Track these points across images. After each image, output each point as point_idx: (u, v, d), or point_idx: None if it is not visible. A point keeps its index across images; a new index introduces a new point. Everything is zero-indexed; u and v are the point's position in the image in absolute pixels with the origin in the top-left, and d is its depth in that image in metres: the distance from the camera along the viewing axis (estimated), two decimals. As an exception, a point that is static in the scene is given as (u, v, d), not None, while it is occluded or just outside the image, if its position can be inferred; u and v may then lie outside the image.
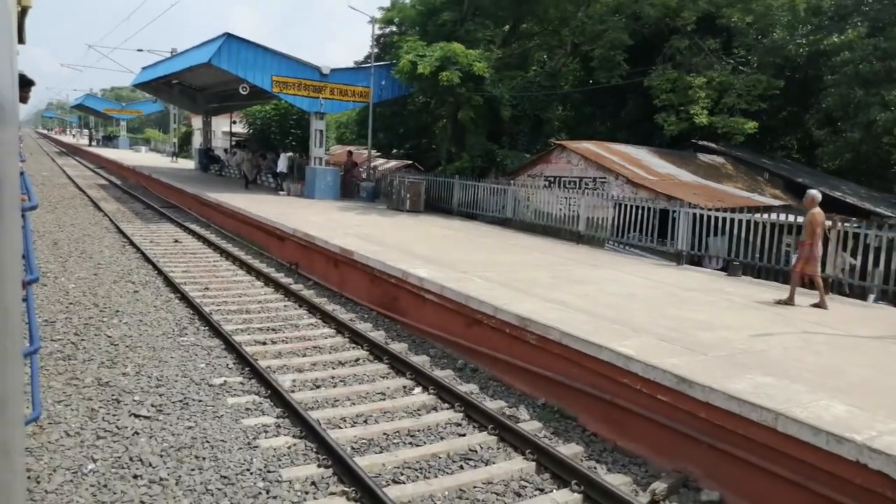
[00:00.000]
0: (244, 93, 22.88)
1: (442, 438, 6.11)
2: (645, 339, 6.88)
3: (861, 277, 11.04)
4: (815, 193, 9.80)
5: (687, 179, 18.95)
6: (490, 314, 8.07)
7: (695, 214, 13.36)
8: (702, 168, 21.18)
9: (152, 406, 6.29)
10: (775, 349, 6.97)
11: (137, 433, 5.69)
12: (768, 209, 14.32)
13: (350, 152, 28.73)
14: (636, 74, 22.10)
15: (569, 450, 5.93)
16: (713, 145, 23.72)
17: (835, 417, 4.92)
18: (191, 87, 33.36)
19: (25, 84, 6.80)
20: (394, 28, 29.93)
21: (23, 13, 7.28)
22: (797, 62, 23.88)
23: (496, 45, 24.89)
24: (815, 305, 9.60)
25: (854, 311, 9.76)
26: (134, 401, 6.39)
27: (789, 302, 9.62)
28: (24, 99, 6.99)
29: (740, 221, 12.69)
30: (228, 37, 21.31)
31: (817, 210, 9.62)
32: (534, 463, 5.64)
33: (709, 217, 13.13)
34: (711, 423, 5.43)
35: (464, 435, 6.21)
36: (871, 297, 11.13)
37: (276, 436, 5.89)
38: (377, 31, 28.61)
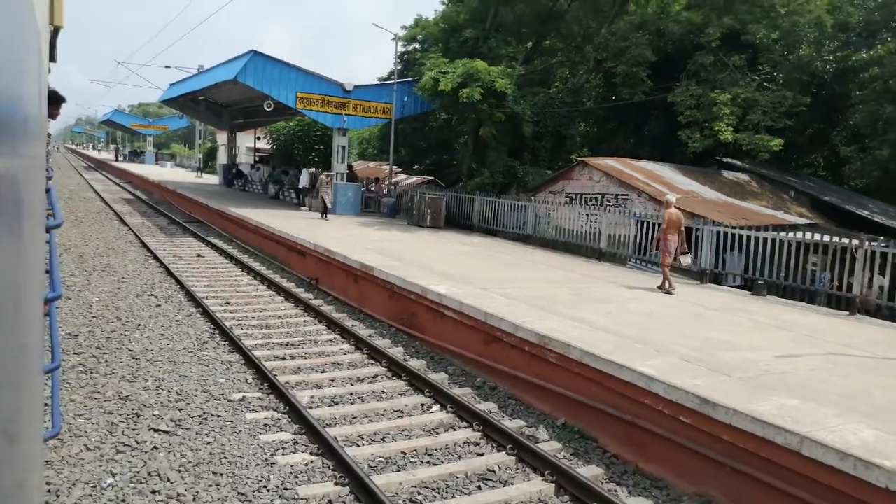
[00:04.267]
0: (269, 109, 23.19)
1: (460, 458, 6.05)
2: (667, 359, 6.77)
3: (889, 298, 10.79)
4: (669, 197, 11.91)
5: (711, 197, 18.76)
6: (510, 331, 8.02)
7: (718, 232, 13.19)
8: (726, 185, 20.98)
9: (171, 421, 6.32)
10: (801, 371, 6.82)
11: (156, 448, 5.72)
12: (794, 227, 14.11)
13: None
14: (660, 91, 22.01)
15: (589, 471, 5.83)
16: (737, 162, 23.48)
17: (862, 442, 4.79)
18: (216, 103, 33.93)
19: (56, 101, 6.93)
20: (417, 45, 30.23)
21: (55, 33, 7.45)
22: (824, 78, 23.59)
23: (518, 62, 25.00)
24: (660, 287, 11.46)
25: (884, 332, 9.53)
26: (154, 415, 6.42)
27: (670, 290, 11.34)
28: (53, 115, 7.13)
29: (765, 240, 12.50)
30: (254, 54, 21.64)
31: (671, 210, 11.44)
32: (553, 484, 5.55)
33: (733, 235, 12.96)
34: (735, 445, 5.32)
35: (482, 454, 6.15)
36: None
37: (294, 452, 5.87)
38: (400, 49, 28.91)
